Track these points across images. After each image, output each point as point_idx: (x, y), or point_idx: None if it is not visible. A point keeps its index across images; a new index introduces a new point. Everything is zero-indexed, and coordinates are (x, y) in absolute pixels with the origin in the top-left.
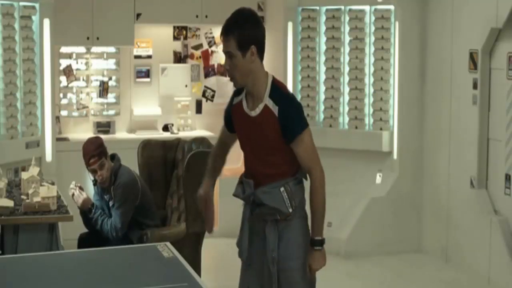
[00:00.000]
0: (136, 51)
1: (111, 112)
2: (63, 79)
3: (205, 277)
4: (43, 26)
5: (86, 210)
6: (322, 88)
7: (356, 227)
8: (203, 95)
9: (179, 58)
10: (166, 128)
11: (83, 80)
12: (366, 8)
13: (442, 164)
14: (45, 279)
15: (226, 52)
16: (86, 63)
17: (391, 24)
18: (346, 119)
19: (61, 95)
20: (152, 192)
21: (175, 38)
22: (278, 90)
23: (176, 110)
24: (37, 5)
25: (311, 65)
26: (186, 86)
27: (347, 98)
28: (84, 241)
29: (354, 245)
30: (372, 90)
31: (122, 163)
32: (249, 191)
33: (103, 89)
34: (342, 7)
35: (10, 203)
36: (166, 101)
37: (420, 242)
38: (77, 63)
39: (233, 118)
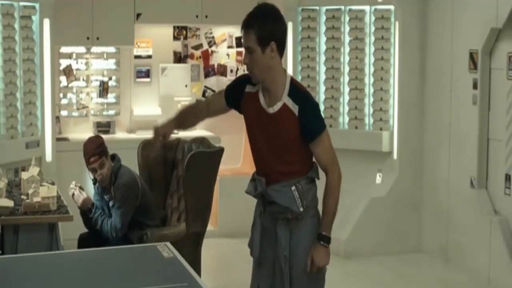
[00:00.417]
0: (136, 51)
1: (111, 112)
2: (63, 79)
3: (205, 277)
4: (43, 26)
5: (86, 210)
6: (322, 88)
7: (356, 227)
8: (203, 95)
9: (179, 58)
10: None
11: (83, 80)
12: (366, 8)
13: (442, 164)
14: (45, 279)
15: (246, 47)
16: (86, 63)
17: (391, 24)
18: (346, 119)
19: (61, 95)
20: (152, 192)
21: (175, 38)
22: (297, 89)
23: (176, 110)
24: (37, 5)
25: (311, 65)
26: (186, 86)
27: (347, 98)
28: (84, 241)
29: (354, 245)
30: (372, 90)
31: (122, 163)
32: (261, 188)
33: (103, 89)
34: (342, 7)
35: (10, 203)
36: (166, 101)
37: (420, 242)
38: (77, 63)
39: (245, 107)
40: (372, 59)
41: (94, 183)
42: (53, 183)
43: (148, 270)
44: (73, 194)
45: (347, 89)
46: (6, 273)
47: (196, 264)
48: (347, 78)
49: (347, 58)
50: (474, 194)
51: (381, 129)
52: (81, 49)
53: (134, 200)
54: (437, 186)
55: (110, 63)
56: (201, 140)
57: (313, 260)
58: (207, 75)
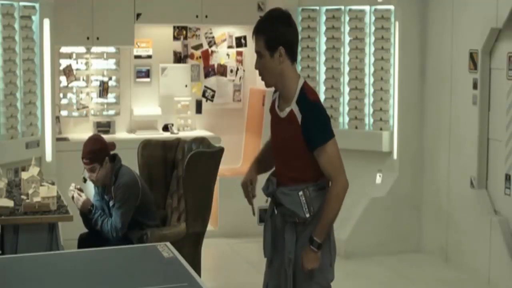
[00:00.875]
0: (136, 51)
1: (111, 112)
2: (63, 79)
3: (205, 277)
4: (43, 26)
5: (86, 212)
6: (322, 88)
7: (356, 227)
8: (203, 95)
9: (179, 58)
10: (166, 128)
11: (83, 80)
12: (366, 8)
13: (442, 164)
14: (45, 279)
15: (256, 51)
16: (86, 63)
17: (391, 24)
18: (346, 119)
19: (61, 95)
20: (152, 192)
21: (175, 38)
22: (305, 97)
23: (176, 110)
24: (37, 5)
25: (311, 65)
26: (186, 86)
27: (347, 98)
28: (84, 241)
29: (354, 245)
30: (372, 90)
31: (122, 163)
32: (271, 189)
33: (103, 89)
34: (342, 7)
35: (10, 203)
36: (166, 101)
37: (420, 242)
38: (77, 63)
39: (270, 114)
40: (372, 59)
41: (84, 181)
42: (53, 183)
43: (148, 270)
44: (72, 197)
45: (347, 89)
46: (6, 273)
47: (196, 264)
48: (347, 78)
49: (347, 58)
50: (474, 194)
51: (381, 129)
52: (81, 49)
53: (134, 200)
54: (437, 186)
55: (110, 63)
56: (201, 140)
57: (302, 263)
58: (207, 75)
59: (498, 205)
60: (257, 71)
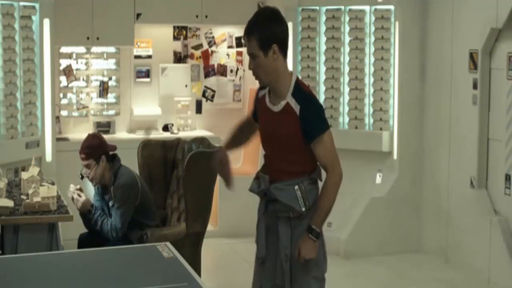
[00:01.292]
0: (136, 51)
1: (111, 112)
2: (63, 79)
3: (205, 277)
4: (43, 26)
5: (85, 212)
6: (322, 88)
7: (356, 227)
8: (203, 95)
9: (179, 58)
10: (166, 128)
11: (83, 80)
12: (366, 8)
13: (442, 164)
14: (45, 279)
15: (249, 53)
16: (86, 63)
17: (391, 24)
18: (346, 119)
19: (61, 95)
20: (152, 192)
21: (175, 38)
22: (301, 89)
23: (176, 110)
24: (37, 5)
25: (311, 65)
26: (186, 86)
27: (347, 98)
28: (84, 241)
29: (354, 245)
30: (372, 90)
31: (122, 163)
32: (264, 186)
33: (103, 89)
34: (342, 7)
35: (10, 203)
36: (166, 101)
37: (420, 242)
38: (77, 63)
39: (258, 111)
40: (372, 59)
41: (81, 178)
42: (53, 183)
43: (148, 270)
44: (72, 198)
45: (347, 89)
46: (6, 273)
47: (196, 264)
48: (347, 78)
49: (347, 58)
50: (474, 194)
51: (381, 129)
52: (81, 49)
53: (134, 200)
54: (437, 186)
55: (110, 63)
56: (201, 140)
57: (299, 251)
58: (207, 75)
59: (498, 205)
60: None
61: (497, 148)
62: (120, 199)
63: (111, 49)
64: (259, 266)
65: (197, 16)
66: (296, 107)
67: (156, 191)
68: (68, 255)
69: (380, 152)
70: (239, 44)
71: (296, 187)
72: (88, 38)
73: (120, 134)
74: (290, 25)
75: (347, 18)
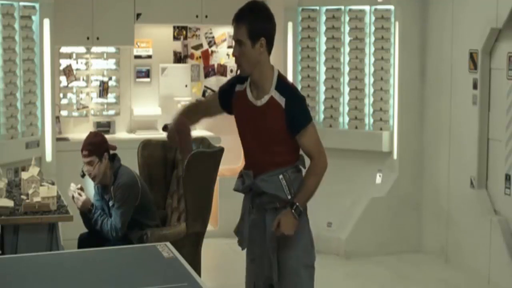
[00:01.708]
0: (136, 51)
1: (111, 112)
2: (63, 79)
3: (205, 277)
4: (43, 26)
5: (86, 211)
6: (322, 88)
7: (356, 227)
8: (203, 95)
9: (179, 58)
10: (166, 128)
11: (83, 80)
12: (366, 8)
13: (442, 164)
14: (45, 279)
15: (236, 39)
16: (86, 63)
17: (391, 24)
18: (346, 119)
19: (61, 95)
20: (152, 192)
21: (175, 38)
22: (284, 83)
23: (176, 110)
24: (37, 5)
25: (311, 65)
26: (186, 86)
27: (347, 98)
28: (84, 241)
29: (354, 245)
30: (372, 90)
31: (122, 163)
32: (249, 181)
33: (103, 89)
34: (342, 7)
35: (10, 203)
36: (166, 101)
37: (420, 242)
38: (77, 63)
39: (235, 106)
40: (372, 59)
41: (82, 176)
42: (53, 183)
43: (148, 270)
44: (72, 196)
45: (347, 89)
46: (6, 273)
47: (196, 264)
48: (347, 78)
49: (347, 58)
50: (474, 194)
51: (381, 129)
52: (81, 49)
53: (134, 200)
54: (437, 186)
55: (110, 63)
56: (201, 140)
57: (279, 224)
58: (207, 75)
59: (498, 205)
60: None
61: (497, 148)
62: (120, 199)
63: (111, 49)
64: (248, 264)
65: (197, 16)
66: (281, 100)
67: (156, 191)
68: (68, 255)
69: (380, 152)
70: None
71: (281, 176)
72: (88, 38)
73: (120, 134)
74: (290, 25)
75: (347, 18)
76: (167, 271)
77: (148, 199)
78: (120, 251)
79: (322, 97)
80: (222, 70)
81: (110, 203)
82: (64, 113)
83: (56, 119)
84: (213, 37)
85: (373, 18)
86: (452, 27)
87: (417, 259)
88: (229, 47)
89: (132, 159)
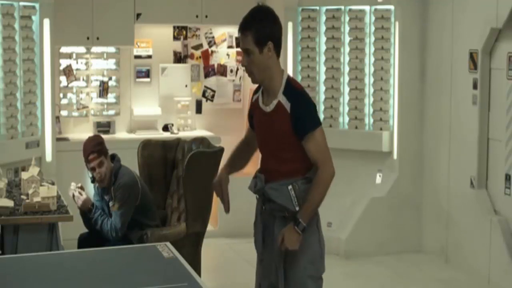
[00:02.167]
0: (136, 51)
1: (111, 112)
2: (63, 79)
3: (205, 277)
4: (43, 26)
5: (86, 211)
6: (322, 88)
7: (356, 227)
8: (203, 95)
9: (179, 58)
10: (166, 128)
11: (83, 80)
12: (366, 8)
13: (442, 164)
14: (45, 279)
15: (244, 49)
16: (86, 63)
17: (391, 24)
18: (346, 119)
19: (61, 95)
20: (152, 192)
21: (175, 38)
22: (291, 87)
23: (176, 110)
24: (37, 5)
25: (311, 65)
26: (186, 86)
27: (347, 98)
28: (84, 241)
29: (354, 245)
30: (372, 90)
31: (122, 163)
32: (260, 185)
33: (103, 89)
34: (342, 7)
35: (10, 203)
36: (166, 101)
37: (420, 242)
38: (77, 63)
39: (253, 115)
40: (372, 59)
41: (92, 182)
42: (53, 183)
43: (148, 270)
44: (73, 195)
45: (347, 89)
46: (6, 273)
47: (196, 264)
48: (347, 78)
49: (347, 58)
50: (474, 194)
51: (381, 129)
52: (81, 49)
53: (134, 200)
54: (437, 186)
55: (110, 63)
56: (201, 140)
57: (283, 239)
58: (207, 75)
59: (498, 205)
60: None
61: (497, 148)
62: (120, 199)
63: (111, 49)
64: (258, 264)
65: (197, 16)
66: (287, 105)
67: (156, 191)
68: (68, 255)
69: (380, 152)
70: (239, 44)
71: (290, 187)
72: (88, 38)
73: (120, 134)
74: (290, 25)
75: (347, 18)
76: (167, 271)
77: (148, 199)
78: (120, 251)
79: (322, 97)
80: (222, 70)
81: (110, 204)
82: (64, 113)
83: (56, 119)
84: (213, 37)
85: (373, 18)
86: (452, 27)
87: (417, 259)
88: (229, 47)
89: (132, 159)
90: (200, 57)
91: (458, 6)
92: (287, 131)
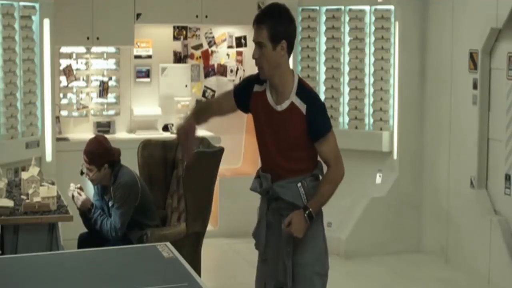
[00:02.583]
0: (136, 51)
1: (111, 112)
2: (63, 79)
3: (205, 277)
4: (43, 26)
5: (85, 211)
6: (322, 88)
7: (356, 227)
8: (203, 95)
9: (179, 58)
10: (166, 128)
11: (83, 80)
12: (366, 8)
13: (442, 164)
14: (45, 279)
15: (257, 42)
16: (86, 63)
17: (391, 24)
18: (346, 119)
19: (61, 95)
20: (152, 192)
21: (175, 38)
22: (305, 89)
23: (176, 110)
24: (37, 5)
25: (311, 65)
26: (186, 86)
27: (347, 98)
28: (84, 241)
29: (354, 245)
30: (372, 90)
31: (122, 163)
32: (266, 185)
33: (103, 89)
34: (342, 7)
35: (10, 203)
36: (166, 101)
37: (420, 242)
38: (77, 63)
39: (253, 107)
40: (372, 59)
41: (81, 174)
42: (53, 183)
43: (148, 270)
44: (72, 196)
45: (347, 89)
46: (6, 273)
47: (196, 264)
48: (347, 78)
49: (347, 58)
50: (474, 194)
51: (381, 129)
52: (81, 49)
53: (133, 200)
54: (437, 186)
55: (110, 63)
56: (201, 140)
57: (290, 223)
58: (207, 75)
59: (498, 205)
60: (255, 68)
61: (497, 148)
62: (120, 199)
63: (111, 49)
64: (261, 263)
65: (197, 16)
66: (302, 107)
67: (156, 191)
68: (68, 255)
69: (380, 152)
70: (239, 44)
71: (299, 184)
72: (88, 38)
73: (120, 134)
74: None
75: (347, 18)
76: (167, 271)
77: (148, 199)
78: (120, 251)
79: (322, 97)
80: (222, 70)
81: (110, 203)
82: (64, 113)
83: (56, 119)
84: (213, 37)
85: (373, 18)
86: (452, 27)
87: (417, 259)
88: (229, 47)
89: (132, 159)
90: (200, 57)
91: (458, 6)
92: (301, 132)
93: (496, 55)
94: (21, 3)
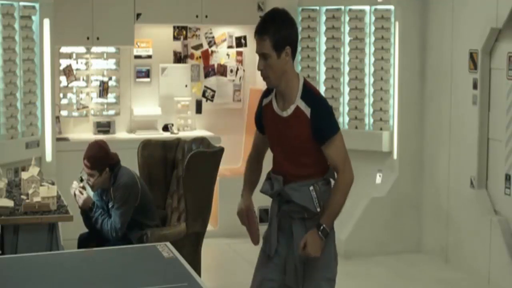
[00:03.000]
0: (136, 51)
1: (111, 112)
2: (63, 79)
3: (205, 277)
4: (43, 26)
5: (86, 209)
6: (322, 88)
7: (356, 227)
8: (203, 95)
9: (179, 58)
10: (166, 128)
11: (83, 80)
12: (366, 8)
13: (442, 164)
14: (45, 279)
15: (261, 53)
16: (86, 63)
17: (391, 24)
18: (346, 119)
19: (61, 95)
20: (152, 192)
21: (175, 38)
22: (310, 92)
23: (176, 110)
24: (37, 5)
25: (311, 65)
26: (186, 86)
27: (347, 98)
28: (84, 241)
29: (354, 245)
30: (372, 90)
31: (122, 163)
32: (278, 187)
33: (103, 89)
34: (342, 7)
35: (10, 203)
36: (166, 101)
37: (420, 242)
38: (77, 63)
39: (264, 119)
40: (372, 59)
41: (80, 181)
42: (53, 183)
43: (148, 270)
44: (74, 194)
45: (347, 89)
46: (6, 273)
47: (196, 264)
48: (347, 78)
49: (347, 58)
50: (474, 194)
51: (381, 129)
52: (81, 49)
53: (133, 200)
54: (437, 186)
55: (110, 63)
56: (201, 140)
57: (305, 246)
58: (207, 75)
59: (498, 205)
60: (257, 71)
61: (497, 148)
62: (120, 199)
63: (111, 49)
64: (264, 262)
65: (197, 16)
66: (307, 110)
67: (156, 191)
68: (68, 255)
69: (380, 152)
70: (239, 44)
71: (311, 187)
72: (88, 38)
73: (120, 134)
74: None
75: (347, 18)
76: (167, 271)
77: (148, 199)
78: (120, 251)
79: None
80: (222, 70)
81: (110, 204)
82: (64, 113)
83: (56, 119)
84: (213, 37)
85: (373, 18)
86: (452, 27)
87: (417, 259)
88: (229, 47)
89: (132, 159)
90: (200, 57)
91: (458, 6)
92: (307, 136)
93: (496, 55)
94: (21, 3)
